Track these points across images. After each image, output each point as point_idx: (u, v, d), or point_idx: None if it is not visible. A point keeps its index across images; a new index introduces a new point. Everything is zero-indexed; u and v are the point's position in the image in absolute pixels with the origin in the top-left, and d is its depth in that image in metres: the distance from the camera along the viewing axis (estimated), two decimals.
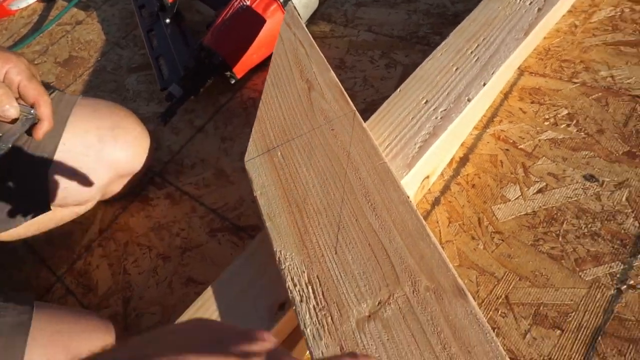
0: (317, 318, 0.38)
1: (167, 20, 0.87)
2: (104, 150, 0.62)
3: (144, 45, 0.95)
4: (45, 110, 0.47)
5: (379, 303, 0.37)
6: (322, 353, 0.36)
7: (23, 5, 1.25)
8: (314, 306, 0.39)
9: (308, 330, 0.38)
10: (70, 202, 0.64)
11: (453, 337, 0.34)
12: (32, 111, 0.47)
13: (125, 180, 0.68)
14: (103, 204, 0.71)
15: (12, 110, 0.44)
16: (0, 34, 1.21)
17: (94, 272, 0.64)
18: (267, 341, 0.25)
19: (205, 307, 0.46)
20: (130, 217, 0.68)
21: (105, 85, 0.92)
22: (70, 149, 0.61)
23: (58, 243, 0.69)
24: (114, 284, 0.62)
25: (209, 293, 0.47)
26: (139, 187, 0.71)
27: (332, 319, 0.38)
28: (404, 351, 0.35)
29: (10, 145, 0.47)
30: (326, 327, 0.37)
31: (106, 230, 0.68)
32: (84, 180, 0.62)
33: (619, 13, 0.64)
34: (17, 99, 0.47)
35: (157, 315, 0.57)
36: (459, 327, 0.35)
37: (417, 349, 0.35)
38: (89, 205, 0.67)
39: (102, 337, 0.48)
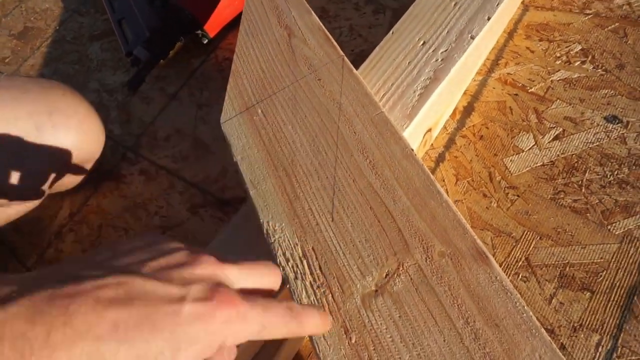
0: (316, 296, 0.32)
1: None
2: (42, 139, 0.54)
3: (105, 10, 0.86)
4: None
5: (386, 275, 0.32)
6: (324, 339, 0.31)
7: None
8: (310, 283, 0.33)
9: None
10: (13, 202, 0.56)
11: (477, 309, 0.29)
12: None
13: (83, 166, 0.60)
14: (70, 192, 0.64)
15: None
16: None
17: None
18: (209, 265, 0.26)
19: None
20: (102, 197, 0.62)
21: (67, 57, 0.83)
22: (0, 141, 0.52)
23: (25, 230, 0.63)
24: None
25: None
26: (107, 165, 0.64)
27: (332, 296, 0.32)
28: (419, 329, 0.29)
29: None
30: (327, 307, 0.32)
31: (77, 213, 0.62)
32: (24, 178, 0.54)
33: None
34: None
35: None
36: (483, 297, 0.29)
37: (435, 325, 0.29)
38: (38, 200, 0.60)
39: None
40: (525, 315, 0.28)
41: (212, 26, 0.68)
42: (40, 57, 0.86)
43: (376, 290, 0.31)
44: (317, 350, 0.30)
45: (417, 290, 0.31)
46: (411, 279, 0.31)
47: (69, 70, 0.81)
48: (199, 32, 0.68)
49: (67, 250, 0.59)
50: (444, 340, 0.29)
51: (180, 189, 0.58)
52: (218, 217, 0.54)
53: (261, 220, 0.37)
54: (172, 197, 0.58)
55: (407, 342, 0.29)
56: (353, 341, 0.30)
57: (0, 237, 0.64)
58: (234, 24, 0.72)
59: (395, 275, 0.32)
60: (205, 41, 0.69)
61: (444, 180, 0.48)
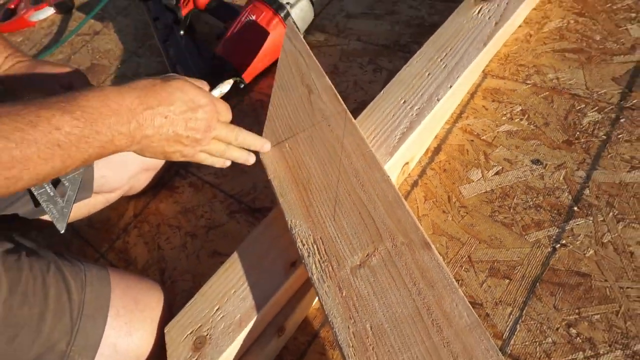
0: (321, 267, 0.50)
1: (182, 32, 0.98)
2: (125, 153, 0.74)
3: (159, 53, 1.07)
4: None
5: (367, 255, 0.50)
6: (326, 292, 0.49)
7: (42, 17, 1.37)
8: (318, 259, 0.51)
9: (314, 276, 0.50)
10: (105, 189, 0.75)
11: (421, 276, 0.47)
12: None
13: (149, 174, 0.80)
14: (134, 196, 0.83)
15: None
16: (23, 43, 1.32)
17: (132, 249, 0.76)
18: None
19: (232, 267, 0.58)
20: (159, 203, 0.80)
21: None
22: None
23: (98, 227, 0.82)
24: (150, 258, 0.74)
25: (235, 257, 0.59)
26: (165, 179, 0.83)
27: (332, 267, 0.50)
28: (385, 288, 0.47)
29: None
30: (328, 274, 0.50)
31: (140, 214, 0.80)
32: (118, 170, 0.74)
33: (566, 24, 0.77)
34: None
35: (188, 281, 0.70)
36: (425, 269, 0.47)
37: (395, 286, 0.47)
38: (118, 194, 0.79)
39: (158, 295, 0.60)
40: (450, 280, 0.46)
41: (248, 75, 0.88)
42: None
43: (360, 264, 0.50)
44: (321, 299, 0.48)
45: (385, 265, 0.49)
46: (382, 258, 0.49)
47: None
48: (238, 79, 0.88)
49: (132, 242, 0.78)
50: (400, 295, 0.47)
51: (221, 199, 0.77)
52: (250, 221, 0.73)
53: (287, 219, 0.55)
54: (214, 204, 0.77)
55: (378, 296, 0.47)
56: (343, 294, 0.48)
57: (78, 231, 0.83)
58: (264, 73, 0.92)
59: (372, 255, 0.50)
60: (242, 86, 0.89)
61: (416, 200, 0.66)
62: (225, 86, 0.64)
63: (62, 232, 0.58)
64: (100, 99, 0.45)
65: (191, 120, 0.52)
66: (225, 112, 0.56)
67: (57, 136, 0.42)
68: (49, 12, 1.36)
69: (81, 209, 0.77)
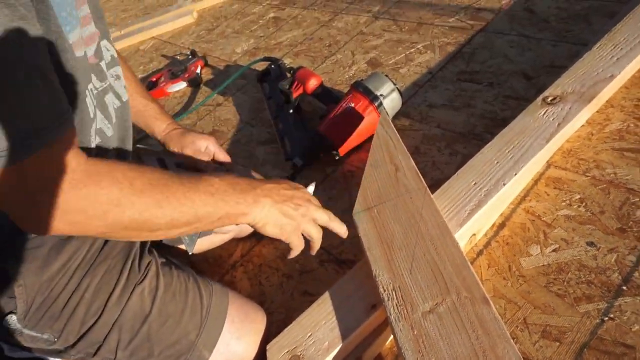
0: (398, 310, 0.64)
1: (291, 111, 1.21)
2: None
3: (269, 125, 1.30)
4: (230, 166, 0.82)
5: (435, 304, 0.62)
6: (400, 330, 0.62)
7: (176, 89, 1.69)
8: (396, 303, 0.64)
9: (392, 316, 0.63)
10: (222, 230, 0.94)
11: (479, 325, 0.58)
12: (224, 167, 0.80)
13: None
14: (242, 240, 1.02)
15: (213, 167, 0.79)
16: None
17: (238, 283, 0.94)
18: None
19: (324, 303, 0.73)
20: (262, 247, 0.98)
21: (241, 153, 1.27)
22: None
23: (211, 262, 1.01)
24: (252, 292, 0.91)
25: (326, 295, 0.74)
26: None
27: (406, 310, 0.63)
28: (450, 332, 0.59)
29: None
30: (403, 315, 0.63)
31: (246, 255, 0.99)
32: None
33: (626, 127, 0.88)
34: (212, 160, 0.81)
35: (282, 314, 0.85)
36: (484, 320, 0.59)
37: (457, 331, 0.59)
38: (231, 235, 0.98)
39: (262, 315, 0.76)
40: (503, 331, 0.57)
41: (343, 149, 1.07)
42: None
43: (429, 311, 0.62)
44: (396, 336, 0.61)
45: (450, 313, 0.61)
46: (448, 307, 0.62)
47: (241, 164, 1.23)
48: (334, 152, 1.07)
49: (238, 277, 0.95)
50: (461, 338, 0.58)
51: None
52: (336, 270, 0.88)
53: (372, 268, 0.70)
54: (307, 253, 0.93)
55: (443, 337, 0.59)
56: (415, 333, 0.61)
57: (194, 264, 1.02)
58: (355, 149, 1.10)
59: (440, 304, 0.62)
60: (337, 158, 1.08)
61: (480, 266, 0.78)
62: (311, 187, 0.82)
63: (191, 253, 0.77)
64: (232, 178, 0.64)
65: (294, 198, 0.67)
66: (317, 201, 0.71)
67: (211, 189, 0.60)
68: (182, 85, 1.69)
69: (203, 243, 0.97)
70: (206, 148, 0.91)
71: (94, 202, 0.51)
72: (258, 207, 0.63)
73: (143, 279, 0.69)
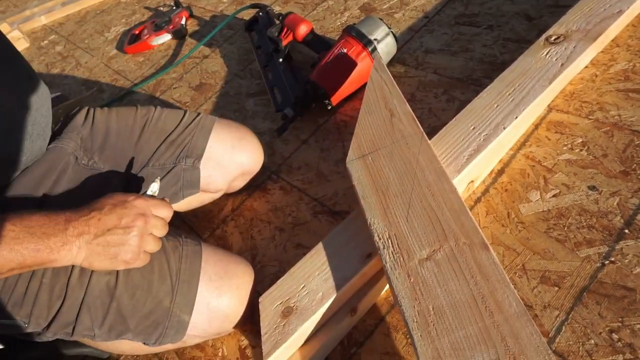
0: (394, 258, 0.61)
1: (281, 60, 1.15)
2: (234, 154, 0.89)
3: (258, 76, 1.24)
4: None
5: (433, 251, 0.60)
6: (397, 278, 0.60)
7: (161, 42, 1.61)
8: (391, 251, 0.62)
9: (388, 264, 0.61)
10: (210, 188, 0.91)
11: (478, 271, 0.56)
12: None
13: (246, 178, 0.95)
14: (232, 194, 0.98)
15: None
16: (144, 63, 1.57)
17: (229, 237, 0.91)
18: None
19: (318, 254, 0.71)
20: (253, 201, 0.95)
21: (230, 106, 1.22)
22: (213, 150, 0.86)
23: (202, 217, 0.98)
24: (244, 245, 0.89)
25: (320, 246, 0.72)
26: (259, 181, 0.98)
27: (402, 258, 0.61)
28: (447, 279, 0.57)
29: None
30: (399, 263, 0.61)
31: (237, 209, 0.96)
32: (221, 172, 0.89)
33: (632, 66, 0.84)
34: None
35: (275, 267, 0.83)
36: (482, 265, 0.57)
37: (455, 277, 0.57)
38: (220, 194, 0.95)
39: (244, 268, 0.73)
40: (503, 276, 0.55)
41: (336, 99, 1.02)
42: (211, 105, 1.25)
43: (426, 258, 0.60)
44: (392, 284, 0.59)
45: (448, 259, 0.59)
46: (446, 254, 0.59)
47: (231, 116, 1.18)
48: (327, 101, 1.02)
49: (229, 231, 0.93)
50: (459, 284, 0.56)
51: (307, 201, 0.90)
52: (330, 221, 0.85)
53: (367, 217, 0.67)
54: (300, 205, 0.90)
55: (440, 284, 0.57)
56: (411, 280, 0.59)
57: (184, 219, 1.00)
58: (349, 98, 1.05)
59: (438, 251, 0.60)
60: (329, 107, 1.03)
61: (478, 214, 0.76)
62: (155, 185, 0.70)
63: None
64: (36, 218, 0.57)
65: (122, 220, 0.60)
66: (155, 203, 0.64)
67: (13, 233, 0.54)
68: (166, 37, 1.61)
69: (192, 203, 0.93)
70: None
71: None
72: (71, 250, 0.57)
73: None
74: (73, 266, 0.64)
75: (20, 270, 0.57)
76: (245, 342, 0.77)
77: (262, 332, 0.65)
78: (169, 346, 0.71)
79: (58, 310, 0.63)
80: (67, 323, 0.64)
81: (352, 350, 0.69)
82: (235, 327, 0.72)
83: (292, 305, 0.67)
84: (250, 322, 0.73)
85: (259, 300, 0.70)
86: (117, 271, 0.65)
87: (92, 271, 0.64)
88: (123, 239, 0.60)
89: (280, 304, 0.68)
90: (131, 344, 0.70)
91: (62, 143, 0.76)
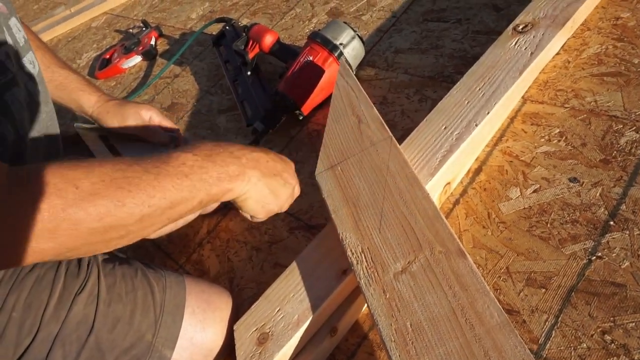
0: (368, 273, 0.58)
1: (249, 73, 1.12)
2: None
3: (229, 91, 1.21)
4: (179, 134, 0.73)
5: (408, 262, 0.57)
6: (372, 295, 0.56)
7: (132, 64, 1.58)
8: (365, 266, 0.59)
9: (362, 281, 0.57)
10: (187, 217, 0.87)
11: (456, 281, 0.53)
12: (174, 134, 0.72)
13: None
14: (207, 215, 0.95)
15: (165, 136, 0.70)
16: (116, 87, 1.54)
17: (205, 260, 0.88)
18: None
19: (292, 274, 0.67)
20: (229, 221, 0.92)
21: (202, 124, 1.18)
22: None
23: (177, 242, 0.94)
24: (221, 269, 0.85)
25: (293, 265, 0.68)
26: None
27: (377, 273, 0.57)
28: (424, 291, 0.54)
29: None
30: (374, 278, 0.57)
31: (212, 231, 0.92)
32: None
33: (604, 49, 0.81)
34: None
35: (253, 289, 0.79)
36: (460, 274, 0.53)
37: (433, 289, 0.53)
38: (196, 214, 0.91)
39: (227, 299, 0.70)
40: (482, 285, 0.52)
41: (306, 108, 0.99)
42: (183, 125, 1.22)
43: (401, 271, 0.56)
44: (368, 301, 0.55)
45: (424, 270, 0.55)
46: (422, 264, 0.56)
47: (203, 134, 1.15)
48: (297, 111, 0.99)
49: (205, 254, 0.89)
50: (437, 297, 0.53)
51: (282, 217, 0.87)
52: (307, 237, 0.82)
53: (339, 231, 0.63)
54: (276, 222, 0.86)
55: (417, 298, 0.54)
56: (387, 296, 0.55)
57: (159, 245, 0.96)
58: (321, 106, 1.02)
59: (413, 262, 0.56)
60: (301, 118, 1.00)
61: (457, 217, 0.72)
62: None
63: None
64: (210, 148, 0.56)
65: (283, 173, 0.63)
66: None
67: (184, 169, 0.52)
68: (137, 59, 1.57)
69: (169, 226, 0.90)
70: (150, 118, 0.83)
71: (30, 224, 0.40)
72: (243, 181, 0.57)
73: (84, 285, 0.61)
74: (50, 298, 0.59)
75: (206, 201, 0.54)
76: None
77: None
78: None
79: (27, 348, 0.58)
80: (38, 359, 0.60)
81: None
82: None
83: (267, 331, 0.63)
84: (228, 353, 0.70)
85: (234, 328, 0.66)
86: (98, 301, 0.61)
87: (72, 302, 0.59)
88: (279, 190, 0.61)
89: (256, 330, 0.64)
90: None
91: None
